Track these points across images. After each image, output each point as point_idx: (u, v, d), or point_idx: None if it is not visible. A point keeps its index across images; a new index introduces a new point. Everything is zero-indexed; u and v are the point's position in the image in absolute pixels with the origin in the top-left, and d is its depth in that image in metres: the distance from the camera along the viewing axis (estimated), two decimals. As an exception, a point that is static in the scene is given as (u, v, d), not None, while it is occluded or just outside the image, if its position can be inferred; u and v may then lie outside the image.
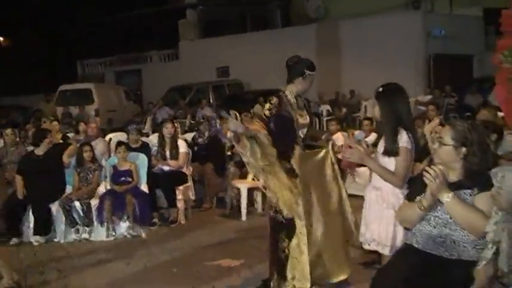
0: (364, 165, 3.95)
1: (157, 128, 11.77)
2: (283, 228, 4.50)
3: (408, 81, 18.26)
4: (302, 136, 4.63)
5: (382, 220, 3.76)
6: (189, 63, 25.01)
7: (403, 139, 3.72)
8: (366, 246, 3.97)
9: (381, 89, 3.89)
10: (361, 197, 8.50)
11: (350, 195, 8.61)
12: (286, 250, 4.51)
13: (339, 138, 7.55)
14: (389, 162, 3.75)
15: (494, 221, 2.79)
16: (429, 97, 16.72)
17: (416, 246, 3.25)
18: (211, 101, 20.12)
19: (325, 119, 17.91)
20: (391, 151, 3.72)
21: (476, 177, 3.12)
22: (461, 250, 3.08)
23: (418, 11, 21.36)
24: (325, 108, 18.66)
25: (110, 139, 9.95)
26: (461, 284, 2.97)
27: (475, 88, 16.65)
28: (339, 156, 4.51)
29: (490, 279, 2.84)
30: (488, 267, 2.84)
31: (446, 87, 17.12)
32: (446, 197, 3.01)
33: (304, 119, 4.62)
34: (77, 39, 31.85)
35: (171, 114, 17.67)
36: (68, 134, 10.67)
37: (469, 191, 3.09)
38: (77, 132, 10.56)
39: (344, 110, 18.35)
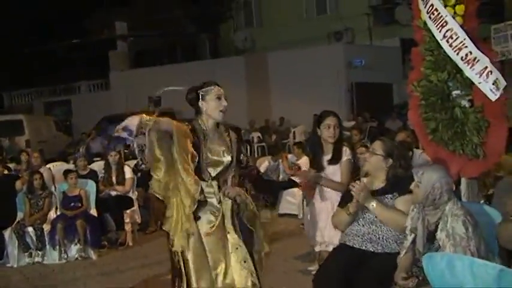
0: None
1: (91, 158, 12.21)
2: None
3: (332, 108, 19.27)
4: (213, 175, 3.88)
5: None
6: (120, 93, 25.23)
7: (347, 153, 4.55)
8: (318, 248, 4.64)
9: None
10: (295, 215, 9.22)
11: (285, 215, 9.37)
12: None
13: (304, 162, 7.92)
14: (333, 174, 4.54)
15: (412, 215, 3.53)
16: (353, 123, 17.89)
17: (348, 244, 3.96)
18: (143, 130, 20.40)
19: (255, 145, 18.74)
20: (336, 161, 4.54)
21: (396, 184, 3.89)
22: (385, 244, 3.82)
23: (339, 43, 22.60)
24: (255, 135, 19.41)
25: (49, 169, 10.25)
26: (387, 272, 3.66)
27: (395, 114, 17.94)
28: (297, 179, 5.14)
29: (409, 264, 3.55)
30: (408, 255, 3.56)
31: (365, 113, 18.42)
32: (371, 205, 3.77)
33: (218, 156, 3.90)
34: (2, 69, 31.40)
35: (104, 144, 17.87)
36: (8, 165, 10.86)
37: (390, 195, 3.86)
38: (18, 162, 10.78)
39: (274, 136, 19.15)
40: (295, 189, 9.21)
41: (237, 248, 3.89)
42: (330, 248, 4.41)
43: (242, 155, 4.07)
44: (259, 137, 19.38)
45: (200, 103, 3.89)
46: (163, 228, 3.87)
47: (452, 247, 3.22)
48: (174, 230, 3.76)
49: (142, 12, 27.99)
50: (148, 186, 8.49)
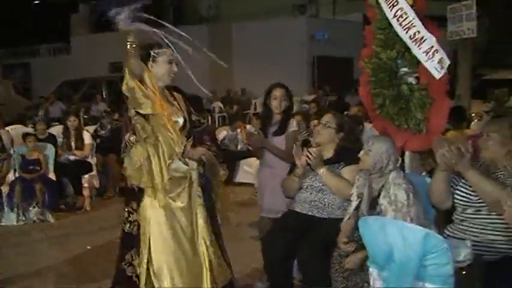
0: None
1: (49, 122, 12.17)
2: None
3: (294, 82, 19.55)
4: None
5: (277, 191, 4.65)
6: (81, 58, 24.94)
7: (294, 125, 4.78)
8: (265, 214, 4.87)
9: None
10: (251, 185, 9.42)
11: (242, 183, 9.56)
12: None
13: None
14: (279, 145, 4.74)
15: (359, 181, 3.77)
16: (313, 96, 18.16)
17: (296, 210, 4.21)
18: (104, 96, 20.33)
19: (217, 115, 18.87)
20: (282, 132, 4.74)
21: (344, 155, 4.14)
22: (330, 211, 4.08)
23: (303, 16, 22.74)
24: (217, 105, 19.51)
25: (8, 131, 10.22)
26: (331, 236, 3.91)
27: (354, 89, 18.21)
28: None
29: (352, 229, 3.80)
30: (350, 220, 3.80)
31: (325, 87, 18.68)
32: (322, 171, 3.99)
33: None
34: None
35: (63, 109, 17.77)
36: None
37: (337, 165, 4.10)
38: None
39: (235, 107, 19.30)
40: (253, 159, 9.41)
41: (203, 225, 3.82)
42: (272, 215, 4.65)
43: (193, 115, 4.01)
44: (220, 107, 19.49)
45: (150, 64, 3.73)
46: (133, 183, 3.72)
47: (393, 212, 3.46)
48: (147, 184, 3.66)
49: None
50: (107, 151, 8.47)
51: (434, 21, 4.38)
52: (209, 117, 17.28)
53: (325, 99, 17.54)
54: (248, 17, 22.13)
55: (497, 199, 2.90)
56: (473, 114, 9.21)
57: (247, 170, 9.63)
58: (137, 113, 3.67)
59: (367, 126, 6.36)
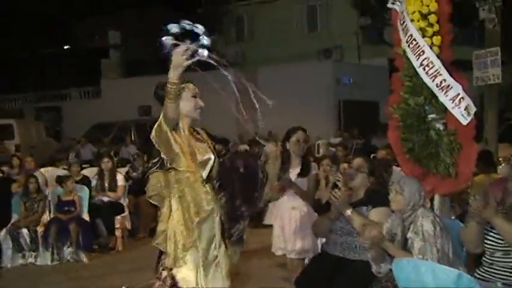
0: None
1: (80, 164, 12.46)
2: None
3: (320, 125, 19.95)
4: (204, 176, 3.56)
5: (304, 232, 4.81)
6: (111, 102, 25.50)
7: (315, 167, 5.15)
8: (292, 256, 5.00)
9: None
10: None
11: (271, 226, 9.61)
12: None
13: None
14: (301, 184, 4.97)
15: (391, 223, 3.90)
16: (339, 139, 18.32)
17: (328, 252, 4.33)
18: (133, 138, 20.72)
19: (243, 158, 19.04)
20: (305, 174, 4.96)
21: (373, 198, 4.27)
22: (361, 252, 4.18)
23: (328, 60, 23.08)
24: (243, 147, 19.72)
25: (43, 174, 10.52)
26: (362, 277, 4.00)
27: (381, 131, 18.32)
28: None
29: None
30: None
31: (354, 130, 18.79)
32: (347, 212, 4.13)
33: (204, 153, 3.61)
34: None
35: (94, 151, 18.16)
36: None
37: (364, 207, 4.24)
38: (11, 166, 11.03)
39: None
40: (280, 201, 9.52)
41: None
42: (301, 255, 4.78)
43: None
44: (246, 149, 19.68)
45: None
46: (155, 244, 3.54)
47: (420, 242, 3.61)
48: (170, 247, 3.46)
49: (135, 21, 28.37)
50: (139, 193, 8.57)
51: (459, 65, 4.56)
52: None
53: (351, 142, 17.63)
54: (274, 62, 22.54)
55: None
56: (500, 158, 9.24)
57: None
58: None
59: (396, 169, 6.45)
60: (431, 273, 2.76)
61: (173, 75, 3.30)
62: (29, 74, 31.14)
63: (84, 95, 28.28)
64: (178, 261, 3.45)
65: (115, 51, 28.27)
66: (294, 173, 5.08)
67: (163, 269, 3.51)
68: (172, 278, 3.48)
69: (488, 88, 9.38)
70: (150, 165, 3.66)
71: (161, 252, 3.55)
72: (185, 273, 3.45)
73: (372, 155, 11.39)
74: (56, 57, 30.77)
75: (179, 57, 3.26)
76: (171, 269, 3.46)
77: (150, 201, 3.66)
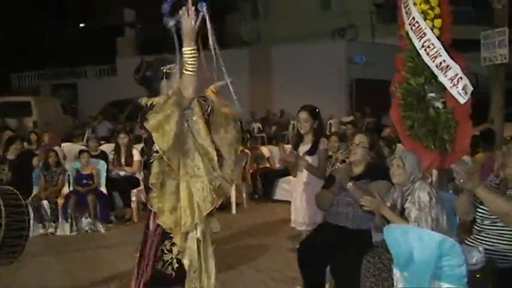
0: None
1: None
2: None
3: (333, 104, 20.16)
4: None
5: (311, 205, 5.10)
6: (126, 80, 25.58)
7: (325, 143, 5.30)
8: (299, 228, 5.30)
9: (317, 109, 5.43)
10: (289, 202, 9.84)
11: (280, 201, 9.91)
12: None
13: None
14: (312, 161, 5.21)
15: (393, 194, 4.18)
16: (351, 118, 18.52)
17: (330, 221, 4.63)
18: (148, 115, 20.98)
19: (256, 135, 19.36)
20: (314, 152, 5.20)
21: (373, 171, 4.54)
22: (360, 223, 4.47)
23: (342, 40, 23.15)
24: (256, 125, 20.02)
25: (60, 149, 10.90)
26: (361, 245, 4.29)
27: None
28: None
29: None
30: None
31: (366, 109, 18.97)
32: (349, 184, 4.41)
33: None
34: (10, 51, 31.90)
35: (110, 128, 18.52)
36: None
37: (364, 180, 4.51)
38: (29, 142, 11.41)
39: (274, 127, 19.75)
40: (291, 177, 9.82)
41: None
42: (310, 227, 5.08)
43: None
44: (259, 127, 19.98)
45: (163, 83, 3.49)
46: (158, 223, 3.53)
47: (416, 211, 3.89)
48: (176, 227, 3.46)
49: (151, -1, 28.53)
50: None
51: (469, 45, 4.79)
52: (248, 137, 17.79)
53: (362, 121, 17.85)
54: (288, 40, 22.65)
55: (506, 212, 3.28)
56: (508, 138, 9.45)
57: (285, 187, 10.02)
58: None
59: (400, 146, 6.72)
60: (417, 238, 3.03)
61: (188, 41, 3.28)
62: (46, 52, 31.44)
63: (100, 72, 28.65)
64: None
65: (130, 29, 28.50)
66: (303, 149, 5.35)
67: (164, 252, 3.53)
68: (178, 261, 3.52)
69: (496, 68, 9.56)
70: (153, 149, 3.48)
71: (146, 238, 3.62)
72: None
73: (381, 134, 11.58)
74: (72, 36, 31.00)
75: (187, 21, 3.27)
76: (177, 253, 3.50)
77: (151, 187, 3.53)
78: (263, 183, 10.60)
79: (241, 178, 9.36)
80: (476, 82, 19.97)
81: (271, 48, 23.21)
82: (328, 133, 14.24)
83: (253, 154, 10.98)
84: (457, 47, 4.77)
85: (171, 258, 3.55)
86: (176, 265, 3.54)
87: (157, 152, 3.40)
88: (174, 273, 3.53)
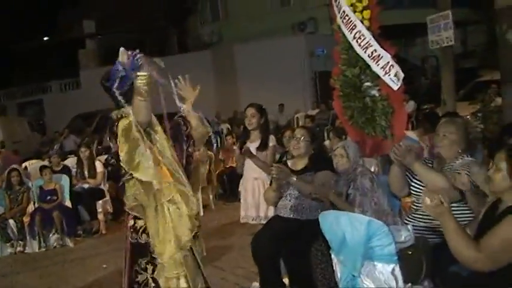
0: None
1: (65, 155, 12.89)
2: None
3: (298, 97, 20.34)
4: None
5: (262, 200, 5.27)
6: (91, 91, 25.55)
7: (273, 140, 5.53)
8: (252, 222, 5.47)
9: (264, 107, 5.79)
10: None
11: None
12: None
13: None
14: (262, 157, 5.41)
15: (339, 184, 4.39)
16: (317, 111, 18.73)
17: (280, 215, 4.79)
18: (115, 126, 20.93)
19: (225, 137, 19.47)
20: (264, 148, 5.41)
21: (316, 164, 4.71)
22: (308, 213, 4.64)
23: (301, 33, 23.36)
24: (225, 126, 20.12)
25: (26, 167, 10.91)
26: (310, 235, 4.46)
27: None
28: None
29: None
30: None
31: (330, 101, 19.18)
32: (293, 179, 4.57)
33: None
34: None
35: (77, 141, 18.48)
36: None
37: (309, 173, 4.67)
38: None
39: (242, 127, 19.78)
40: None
41: None
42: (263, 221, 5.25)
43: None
44: (228, 128, 20.07)
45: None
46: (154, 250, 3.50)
47: (360, 197, 4.15)
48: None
49: (111, 8, 28.42)
50: (119, 178, 8.93)
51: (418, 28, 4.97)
52: (219, 139, 17.87)
53: (328, 113, 18.04)
54: (250, 39, 22.78)
55: (438, 186, 3.50)
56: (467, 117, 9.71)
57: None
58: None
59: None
60: (348, 222, 3.19)
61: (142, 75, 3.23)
62: (10, 69, 31.14)
63: (64, 86, 28.46)
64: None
65: (91, 40, 28.39)
66: (253, 146, 5.51)
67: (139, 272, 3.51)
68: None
69: (443, 50, 9.81)
70: (123, 171, 3.48)
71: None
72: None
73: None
74: (35, 51, 30.74)
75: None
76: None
77: (130, 212, 3.59)
78: (230, 183, 10.73)
79: (206, 181, 9.46)
80: (437, 64, 20.48)
81: (234, 47, 23.33)
82: (295, 127, 14.51)
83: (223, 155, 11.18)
84: (415, 32, 4.98)
85: (146, 278, 3.50)
86: (153, 285, 3.48)
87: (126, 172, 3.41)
88: None
